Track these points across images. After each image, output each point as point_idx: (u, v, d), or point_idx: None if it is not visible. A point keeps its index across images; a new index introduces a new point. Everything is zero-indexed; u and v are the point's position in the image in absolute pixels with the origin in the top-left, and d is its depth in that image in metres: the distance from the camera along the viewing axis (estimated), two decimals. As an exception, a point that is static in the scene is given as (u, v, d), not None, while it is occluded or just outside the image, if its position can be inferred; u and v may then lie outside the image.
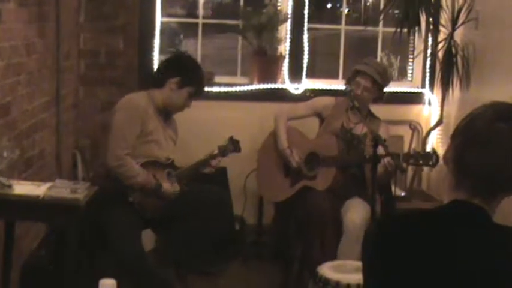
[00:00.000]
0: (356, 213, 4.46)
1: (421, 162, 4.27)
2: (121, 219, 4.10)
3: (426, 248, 1.82)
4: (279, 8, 5.69)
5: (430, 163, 4.22)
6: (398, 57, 6.21)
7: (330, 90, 5.60)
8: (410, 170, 5.51)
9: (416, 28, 5.38)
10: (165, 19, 5.74)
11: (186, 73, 4.41)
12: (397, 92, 5.70)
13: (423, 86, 5.87)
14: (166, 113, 4.47)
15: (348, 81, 4.77)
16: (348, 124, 4.77)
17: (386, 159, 4.21)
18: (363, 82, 4.65)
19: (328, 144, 4.70)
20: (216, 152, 4.54)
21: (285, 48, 5.68)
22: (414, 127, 5.79)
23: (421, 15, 5.33)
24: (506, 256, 1.81)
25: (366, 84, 4.64)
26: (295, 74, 5.69)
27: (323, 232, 4.40)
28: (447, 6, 5.36)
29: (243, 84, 5.66)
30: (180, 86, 4.38)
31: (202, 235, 4.35)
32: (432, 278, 1.80)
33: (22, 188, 3.52)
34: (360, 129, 4.72)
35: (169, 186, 4.30)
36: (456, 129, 1.90)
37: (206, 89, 4.67)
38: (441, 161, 4.00)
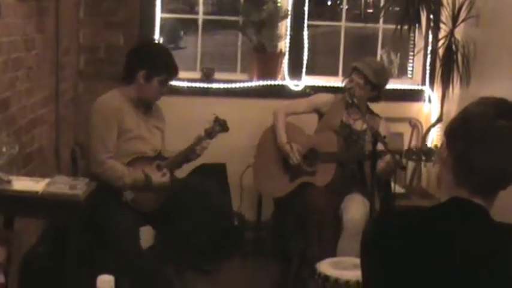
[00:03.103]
0: (356, 209, 4.45)
1: (423, 158, 4.26)
2: (118, 219, 4.07)
3: (425, 246, 1.82)
4: (279, 4, 5.67)
5: (433, 159, 4.22)
6: (399, 55, 6.20)
7: (330, 87, 5.58)
8: (409, 167, 5.50)
9: (417, 25, 5.39)
10: (165, 15, 5.73)
11: (149, 64, 4.27)
12: (397, 89, 5.69)
13: (423, 83, 5.86)
14: (145, 105, 4.40)
15: (346, 77, 4.78)
16: (347, 119, 4.77)
17: (388, 156, 4.20)
18: (356, 79, 4.65)
19: (328, 140, 4.69)
20: (202, 135, 4.46)
21: (285, 44, 5.67)
22: (414, 124, 5.78)
23: (421, 12, 5.33)
24: (507, 254, 1.80)
25: (359, 81, 4.64)
26: (295, 71, 5.68)
27: (322, 228, 4.40)
28: (448, 3, 5.36)
29: (243, 81, 5.65)
30: (147, 78, 4.26)
31: (201, 231, 4.33)
32: (432, 276, 1.79)
33: (21, 183, 3.52)
34: (359, 126, 4.72)
35: (159, 177, 4.26)
36: (452, 128, 1.89)
37: (177, 68, 4.45)
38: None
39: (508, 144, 1.81)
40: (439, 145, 5.18)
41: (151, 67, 4.27)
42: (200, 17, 5.85)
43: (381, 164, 4.22)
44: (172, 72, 4.38)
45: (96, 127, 4.20)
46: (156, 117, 4.48)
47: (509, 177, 1.85)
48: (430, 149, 4.33)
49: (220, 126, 4.52)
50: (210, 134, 4.47)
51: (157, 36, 5.46)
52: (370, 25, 6.27)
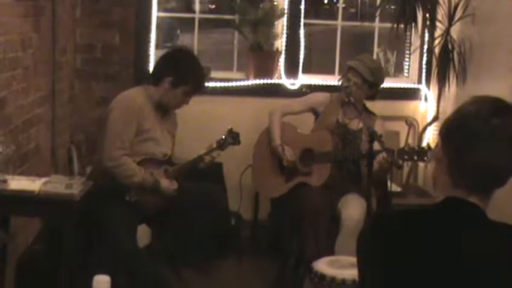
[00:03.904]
0: (353, 208, 4.45)
1: (415, 158, 4.23)
2: (117, 217, 4.07)
3: (421, 245, 1.82)
4: (275, 3, 5.68)
5: (425, 159, 4.21)
6: (395, 53, 6.20)
7: (326, 85, 5.59)
8: (406, 166, 5.50)
9: (413, 24, 5.38)
10: (161, 14, 5.73)
11: (180, 72, 4.27)
12: (393, 88, 5.69)
13: (419, 82, 5.87)
14: (164, 109, 4.40)
15: (342, 77, 4.77)
16: (343, 119, 4.76)
17: (381, 155, 4.20)
18: (354, 79, 4.63)
19: (323, 140, 4.69)
20: (214, 145, 4.44)
21: (281, 43, 5.68)
22: (410, 123, 5.78)
23: (417, 10, 5.32)
24: (503, 253, 1.80)
25: (356, 80, 4.62)
26: (291, 70, 5.68)
27: (318, 228, 4.40)
28: (444, 1, 5.36)
29: (239, 80, 5.65)
30: (174, 85, 4.26)
31: (197, 230, 4.33)
32: (427, 275, 1.79)
33: (17, 183, 3.52)
34: (355, 125, 4.71)
35: (167, 183, 4.25)
36: (446, 128, 1.88)
37: (205, 84, 4.53)
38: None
39: (503, 143, 1.81)
40: (433, 144, 5.21)
41: (180, 76, 4.27)
42: (197, 15, 5.85)
43: (376, 163, 4.21)
44: (199, 87, 4.38)
45: (115, 122, 4.16)
46: (170, 122, 4.48)
47: (505, 176, 1.85)
48: (422, 148, 4.30)
49: (232, 138, 4.50)
50: (221, 145, 4.45)
51: (153, 35, 5.45)
52: (366, 24, 6.28)
